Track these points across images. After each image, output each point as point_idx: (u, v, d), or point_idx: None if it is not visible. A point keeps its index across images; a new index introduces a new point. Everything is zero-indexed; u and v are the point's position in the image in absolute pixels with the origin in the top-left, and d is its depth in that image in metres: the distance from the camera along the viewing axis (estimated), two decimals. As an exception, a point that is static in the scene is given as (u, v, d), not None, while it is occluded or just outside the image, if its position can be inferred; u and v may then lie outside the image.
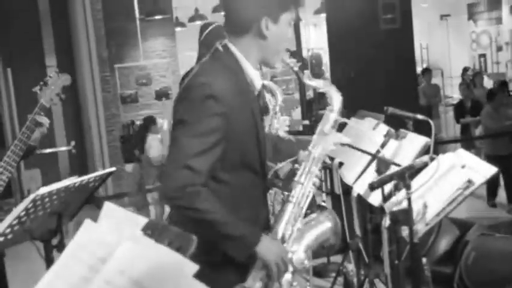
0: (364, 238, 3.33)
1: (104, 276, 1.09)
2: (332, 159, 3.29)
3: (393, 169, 2.71)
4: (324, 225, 2.08)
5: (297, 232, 2.02)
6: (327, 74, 10.21)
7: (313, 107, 7.13)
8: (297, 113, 8.60)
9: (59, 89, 2.81)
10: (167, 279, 1.06)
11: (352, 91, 5.32)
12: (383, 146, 3.03)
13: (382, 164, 2.86)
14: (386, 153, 2.97)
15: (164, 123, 8.12)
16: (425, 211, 2.43)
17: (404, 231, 2.40)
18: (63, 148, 8.08)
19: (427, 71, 10.68)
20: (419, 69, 10.66)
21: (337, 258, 4.68)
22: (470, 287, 3.76)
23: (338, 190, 3.34)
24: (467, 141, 8.13)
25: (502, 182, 6.81)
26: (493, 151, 6.77)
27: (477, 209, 6.27)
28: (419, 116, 2.94)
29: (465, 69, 11.54)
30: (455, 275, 3.78)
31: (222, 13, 2.07)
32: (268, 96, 3.32)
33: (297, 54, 4.87)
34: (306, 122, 5.21)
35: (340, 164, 3.44)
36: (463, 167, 2.50)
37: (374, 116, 3.40)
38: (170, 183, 1.85)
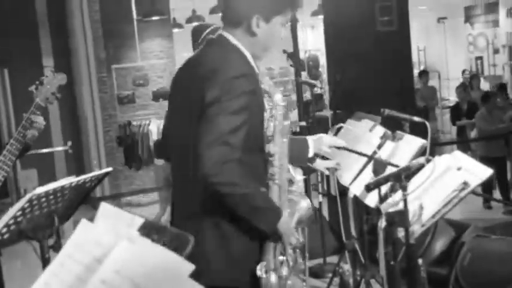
0: (360, 239, 3.34)
1: (100, 276, 1.09)
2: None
3: (389, 170, 2.72)
4: (301, 206, 2.19)
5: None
6: (324, 76, 10.23)
7: (310, 109, 7.13)
8: (294, 115, 8.61)
9: (55, 88, 2.81)
10: (163, 279, 1.06)
11: (349, 93, 5.34)
12: (379, 147, 3.04)
13: (379, 166, 2.86)
14: (382, 154, 2.98)
15: (161, 124, 8.12)
16: (421, 212, 2.44)
17: (400, 233, 2.41)
18: (60, 148, 8.06)
19: (424, 73, 10.71)
20: (416, 72, 10.69)
21: (333, 259, 4.69)
22: (466, 288, 3.77)
23: (334, 191, 3.34)
24: (463, 143, 8.15)
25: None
26: (487, 153, 6.79)
27: (473, 211, 6.29)
28: (416, 118, 2.95)
29: (464, 72, 11.59)
30: (450, 276, 3.78)
31: (220, 14, 2.14)
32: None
33: (294, 55, 4.88)
34: (303, 123, 5.21)
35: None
36: (459, 169, 2.51)
37: (371, 118, 3.41)
38: (207, 161, 1.89)
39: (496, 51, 12.77)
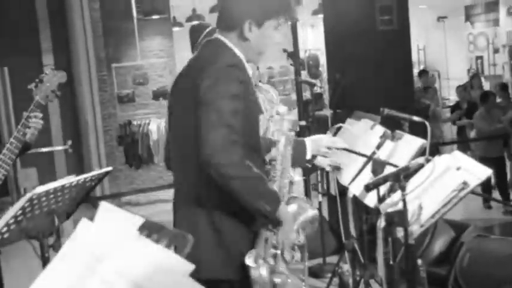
0: (359, 239, 3.34)
1: (100, 275, 1.09)
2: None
3: (389, 170, 2.72)
4: (307, 212, 2.19)
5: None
6: (324, 75, 10.23)
7: (309, 108, 7.13)
8: (294, 114, 8.61)
9: (55, 86, 2.81)
10: (163, 279, 1.06)
11: (349, 92, 5.34)
12: (379, 147, 3.04)
13: (378, 166, 2.87)
14: (382, 154, 2.98)
15: (161, 123, 8.12)
16: (420, 212, 2.44)
17: (400, 233, 2.41)
18: (60, 147, 8.06)
19: (424, 73, 10.70)
20: (416, 71, 10.68)
21: (332, 259, 4.69)
22: (465, 288, 3.78)
23: (334, 191, 3.35)
24: (462, 143, 8.15)
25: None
26: (486, 153, 6.79)
27: (472, 211, 6.29)
28: (416, 118, 2.95)
29: (469, 70, 11.62)
30: (450, 276, 3.79)
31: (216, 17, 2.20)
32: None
33: (294, 55, 4.87)
34: (303, 122, 5.20)
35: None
36: (458, 168, 2.51)
37: (370, 117, 3.41)
38: (212, 142, 1.91)
39: (496, 50, 12.76)
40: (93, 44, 8.33)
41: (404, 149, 2.97)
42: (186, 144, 2.10)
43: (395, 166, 2.73)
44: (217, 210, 2.07)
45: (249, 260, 2.01)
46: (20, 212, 2.08)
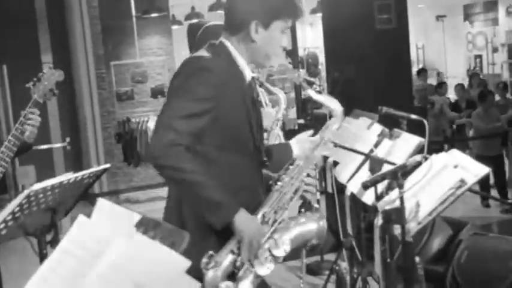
0: (357, 236, 3.34)
1: (97, 271, 1.10)
2: (326, 158, 3.30)
3: (387, 168, 2.73)
4: (311, 226, 2.13)
5: (283, 223, 2.06)
6: (323, 73, 10.24)
7: (308, 106, 7.14)
8: (293, 112, 8.62)
9: (52, 85, 2.82)
10: (160, 274, 1.07)
11: (347, 90, 5.35)
12: (377, 145, 3.05)
13: (375, 163, 2.87)
14: (380, 152, 2.98)
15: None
16: (417, 210, 2.44)
17: (397, 230, 2.42)
18: (58, 145, 8.05)
19: (422, 72, 10.70)
20: (414, 70, 10.69)
21: (330, 257, 4.69)
22: (462, 285, 3.78)
23: (332, 189, 3.35)
24: (460, 141, 8.16)
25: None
26: (483, 151, 6.79)
27: (470, 209, 6.30)
28: (414, 116, 2.96)
29: (472, 69, 11.62)
30: (447, 273, 3.79)
31: (219, 11, 2.15)
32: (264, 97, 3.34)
33: (293, 53, 4.88)
34: (301, 121, 5.21)
35: (335, 163, 3.45)
36: (455, 166, 2.51)
37: (368, 116, 3.42)
38: (156, 142, 1.92)
39: (495, 49, 12.78)
40: (91, 42, 8.33)
41: (402, 147, 2.97)
42: None
43: (393, 164, 2.73)
44: (186, 208, 2.06)
45: (203, 261, 1.91)
46: (17, 208, 2.08)
